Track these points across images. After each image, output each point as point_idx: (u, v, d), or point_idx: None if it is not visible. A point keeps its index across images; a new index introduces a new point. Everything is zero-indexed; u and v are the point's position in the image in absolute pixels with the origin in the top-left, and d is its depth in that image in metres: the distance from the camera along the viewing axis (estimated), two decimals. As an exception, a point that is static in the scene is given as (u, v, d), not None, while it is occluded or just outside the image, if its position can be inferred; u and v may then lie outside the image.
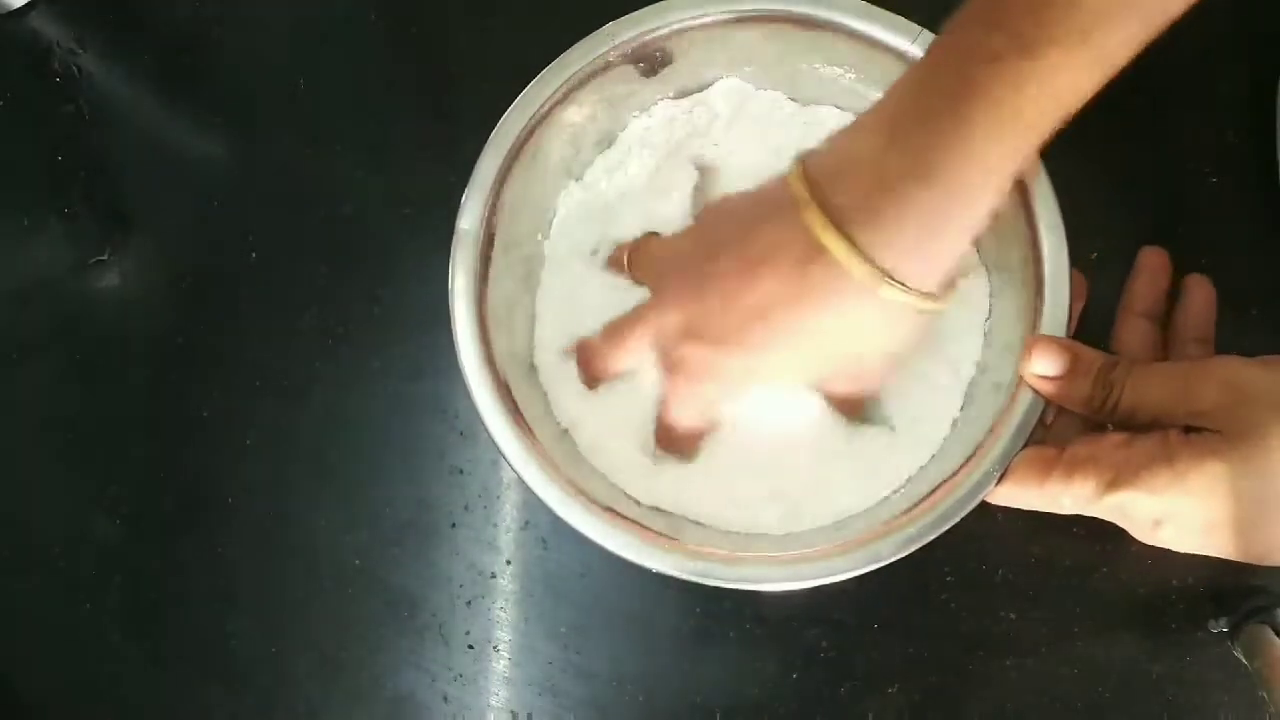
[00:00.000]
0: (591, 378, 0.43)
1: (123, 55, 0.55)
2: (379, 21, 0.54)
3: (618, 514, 0.40)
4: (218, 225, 0.52)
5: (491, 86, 0.52)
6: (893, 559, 0.37)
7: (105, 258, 0.53)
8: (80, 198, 0.53)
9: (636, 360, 0.42)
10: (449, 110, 0.52)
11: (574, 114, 0.44)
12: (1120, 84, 0.45)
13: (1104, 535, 0.46)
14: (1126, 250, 0.47)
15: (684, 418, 0.42)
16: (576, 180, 0.47)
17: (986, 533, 0.45)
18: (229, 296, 0.51)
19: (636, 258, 0.43)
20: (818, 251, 0.34)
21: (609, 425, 0.43)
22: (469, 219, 0.42)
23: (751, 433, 0.43)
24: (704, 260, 0.38)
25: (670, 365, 0.40)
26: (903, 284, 0.34)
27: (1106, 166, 0.48)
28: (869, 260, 0.33)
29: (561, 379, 0.44)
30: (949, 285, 0.36)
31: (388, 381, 0.50)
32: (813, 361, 0.38)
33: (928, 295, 0.35)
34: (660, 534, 0.39)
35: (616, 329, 0.42)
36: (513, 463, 0.40)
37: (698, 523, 0.42)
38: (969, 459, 0.38)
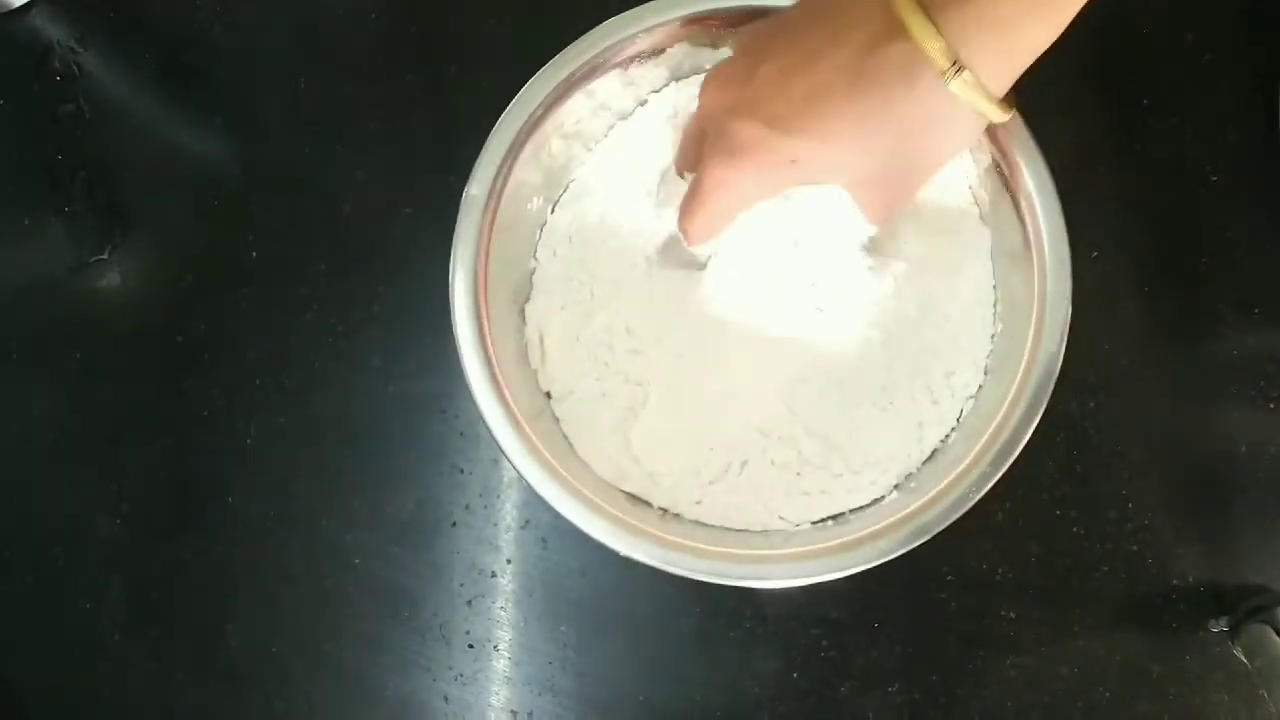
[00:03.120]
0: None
1: (123, 55, 0.55)
2: (379, 21, 0.54)
3: (621, 517, 0.39)
4: (218, 225, 0.52)
5: (491, 85, 0.52)
6: (899, 552, 0.37)
7: (105, 257, 0.53)
8: (80, 198, 0.53)
9: (695, 155, 0.41)
10: (449, 110, 0.52)
11: (594, 91, 0.44)
12: (1121, 84, 0.45)
13: (1104, 535, 0.46)
14: (1127, 250, 0.47)
15: (711, 210, 0.39)
16: (590, 153, 0.46)
17: (986, 532, 0.46)
18: (229, 296, 0.51)
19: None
20: (893, 31, 0.32)
21: (607, 425, 0.43)
22: (479, 186, 0.41)
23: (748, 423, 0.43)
24: (763, 44, 0.37)
25: (713, 144, 0.38)
26: (976, 78, 0.32)
27: (1107, 166, 0.48)
28: (947, 44, 0.32)
29: (563, 369, 0.44)
30: (1010, 100, 0.35)
31: (388, 381, 0.50)
32: (864, 156, 0.36)
33: (994, 99, 0.33)
34: (667, 535, 0.39)
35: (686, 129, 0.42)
36: (513, 460, 0.40)
37: (702, 523, 0.42)
38: (972, 453, 0.39)
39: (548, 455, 0.40)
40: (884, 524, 0.38)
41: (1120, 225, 0.48)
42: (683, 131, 0.43)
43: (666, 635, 0.47)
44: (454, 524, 0.48)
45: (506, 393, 0.41)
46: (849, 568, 0.38)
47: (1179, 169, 0.49)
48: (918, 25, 0.32)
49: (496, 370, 0.41)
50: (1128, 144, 0.49)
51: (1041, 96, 0.36)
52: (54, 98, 0.54)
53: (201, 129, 0.54)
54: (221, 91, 0.54)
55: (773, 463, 0.42)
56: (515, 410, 0.40)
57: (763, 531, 0.42)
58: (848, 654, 0.46)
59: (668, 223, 0.44)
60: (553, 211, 0.46)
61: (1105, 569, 0.46)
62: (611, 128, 0.46)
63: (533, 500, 0.48)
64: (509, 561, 0.48)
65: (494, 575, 0.48)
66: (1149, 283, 0.48)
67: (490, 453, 0.49)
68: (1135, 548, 0.46)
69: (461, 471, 0.49)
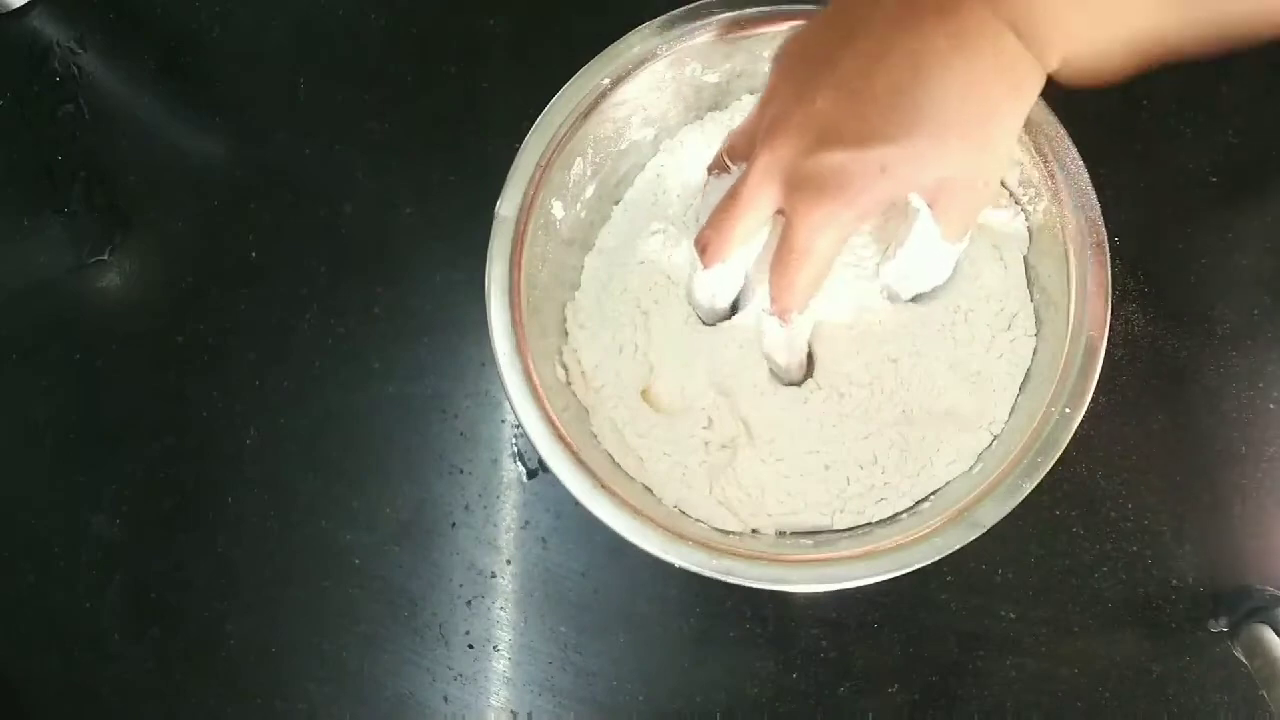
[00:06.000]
0: (716, 258, 0.38)
1: (123, 55, 0.55)
2: (379, 21, 0.54)
3: (648, 516, 0.39)
4: (218, 225, 0.52)
5: (491, 86, 0.52)
6: (921, 564, 0.38)
7: (105, 258, 0.53)
8: (80, 198, 0.53)
9: (763, 219, 0.37)
10: (448, 110, 0.52)
11: (629, 100, 0.44)
12: (1121, 84, 0.45)
13: (1104, 535, 0.46)
14: (1127, 250, 0.47)
15: (816, 261, 0.36)
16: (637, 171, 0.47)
17: (986, 532, 0.45)
18: (229, 296, 0.51)
19: (733, 135, 0.39)
20: (950, 7, 0.32)
21: (659, 442, 0.43)
22: (509, 206, 0.41)
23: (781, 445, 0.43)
24: (810, 69, 0.35)
25: (797, 192, 0.35)
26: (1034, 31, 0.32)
27: (1107, 167, 0.48)
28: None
29: (605, 386, 0.44)
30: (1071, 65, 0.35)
31: (388, 381, 0.50)
32: (946, 137, 0.34)
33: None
34: (688, 534, 0.39)
35: (730, 192, 0.37)
36: (544, 457, 0.39)
37: (728, 531, 0.42)
38: (1002, 468, 0.39)
39: (574, 446, 0.40)
40: (915, 533, 0.39)
41: (1120, 225, 0.47)
42: (733, 131, 0.40)
43: (666, 635, 0.47)
44: (454, 524, 0.48)
45: (540, 396, 0.40)
46: (877, 574, 0.38)
47: (1179, 169, 0.49)
48: None
49: (530, 367, 0.40)
50: (1128, 145, 0.49)
51: (1041, 97, 0.36)
52: (54, 98, 0.54)
53: (201, 129, 0.54)
54: (221, 91, 0.54)
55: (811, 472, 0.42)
56: (549, 413, 0.40)
57: (794, 536, 0.42)
58: (848, 654, 0.46)
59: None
60: (593, 241, 0.46)
61: (1105, 569, 0.46)
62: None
63: (532, 501, 0.48)
64: (509, 562, 0.48)
65: (494, 575, 0.48)
66: (1148, 283, 0.48)
67: (490, 453, 0.49)
68: (1135, 548, 0.46)
69: (461, 472, 0.49)
